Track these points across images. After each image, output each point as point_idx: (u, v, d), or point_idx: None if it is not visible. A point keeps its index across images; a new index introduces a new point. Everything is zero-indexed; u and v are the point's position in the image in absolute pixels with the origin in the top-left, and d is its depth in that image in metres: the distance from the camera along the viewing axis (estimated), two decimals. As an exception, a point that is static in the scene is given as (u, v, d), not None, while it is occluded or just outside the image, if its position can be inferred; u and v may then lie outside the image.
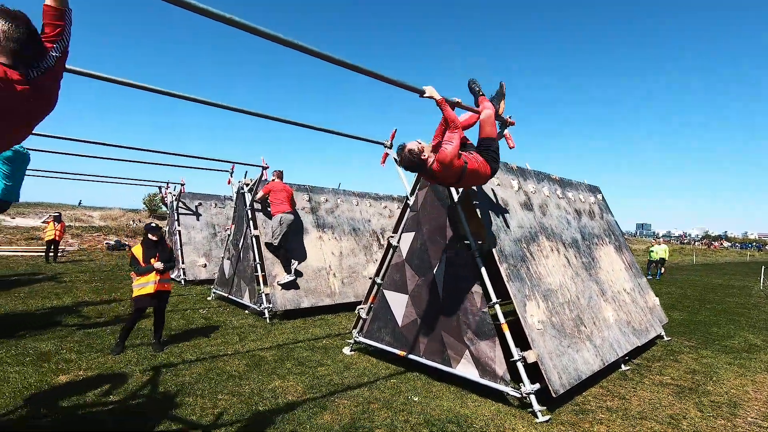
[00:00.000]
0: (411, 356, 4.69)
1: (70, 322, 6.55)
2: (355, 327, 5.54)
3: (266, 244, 7.52)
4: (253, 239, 7.64)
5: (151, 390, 4.12)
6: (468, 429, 3.50)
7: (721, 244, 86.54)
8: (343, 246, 8.73)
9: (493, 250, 4.20)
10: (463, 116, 4.02)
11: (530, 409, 3.82)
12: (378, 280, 5.26)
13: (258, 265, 7.40)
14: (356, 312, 5.54)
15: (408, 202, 5.03)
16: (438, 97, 3.36)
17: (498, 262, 4.17)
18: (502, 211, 4.68)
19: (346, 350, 5.54)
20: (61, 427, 3.31)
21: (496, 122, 4.07)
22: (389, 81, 3.05)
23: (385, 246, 5.27)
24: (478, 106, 3.99)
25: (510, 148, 4.10)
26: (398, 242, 5.09)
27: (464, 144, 3.83)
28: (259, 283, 7.36)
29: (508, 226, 4.61)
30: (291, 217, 7.42)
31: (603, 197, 7.50)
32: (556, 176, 6.41)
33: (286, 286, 7.38)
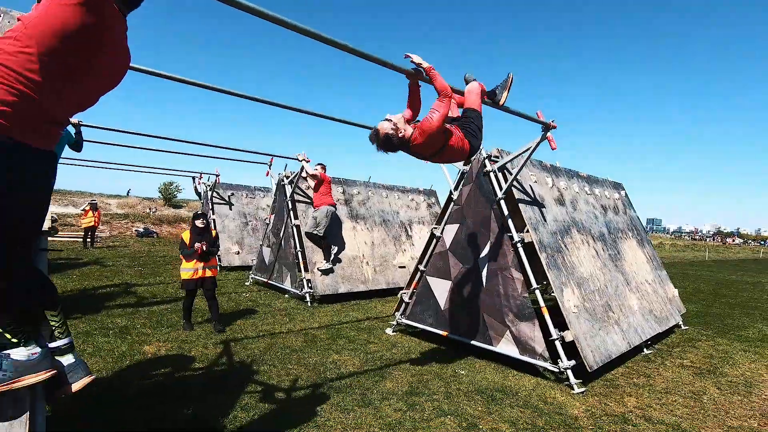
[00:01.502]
0: (453, 336, 5.18)
1: (131, 301, 7.15)
2: (397, 310, 6.04)
3: (306, 233, 8.03)
4: (294, 228, 8.16)
5: (227, 360, 4.67)
6: (514, 397, 4.00)
7: (734, 240, 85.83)
8: (374, 236, 9.23)
9: (534, 241, 4.66)
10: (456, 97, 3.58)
11: (566, 383, 4.31)
12: (421, 267, 5.75)
13: (299, 253, 7.93)
14: (399, 296, 6.04)
15: (452, 196, 5.49)
16: (426, 64, 3.00)
17: (538, 252, 4.63)
18: (539, 205, 5.12)
19: (389, 331, 6.05)
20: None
21: (544, 132, 4.47)
22: (376, 60, 2.85)
23: (428, 236, 5.75)
24: None
25: (552, 149, 4.53)
26: (441, 233, 5.57)
27: (449, 118, 3.40)
28: (300, 270, 7.90)
29: (545, 220, 5.06)
30: (334, 210, 7.94)
31: (626, 194, 7.89)
32: (584, 173, 6.82)
33: (325, 272, 7.91)
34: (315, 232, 7.88)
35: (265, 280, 9.07)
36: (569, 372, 4.25)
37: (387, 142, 3.08)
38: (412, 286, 5.87)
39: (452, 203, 5.48)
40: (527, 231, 4.75)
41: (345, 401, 3.72)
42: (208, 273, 5.71)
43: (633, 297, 5.84)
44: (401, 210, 10.25)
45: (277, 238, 8.76)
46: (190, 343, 5.12)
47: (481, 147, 3.29)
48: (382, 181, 10.45)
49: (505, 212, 4.83)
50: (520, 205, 4.82)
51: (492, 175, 5.01)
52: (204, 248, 5.51)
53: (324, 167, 8.18)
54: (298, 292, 7.92)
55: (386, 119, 3.12)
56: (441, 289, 5.45)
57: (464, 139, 3.22)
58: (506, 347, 4.70)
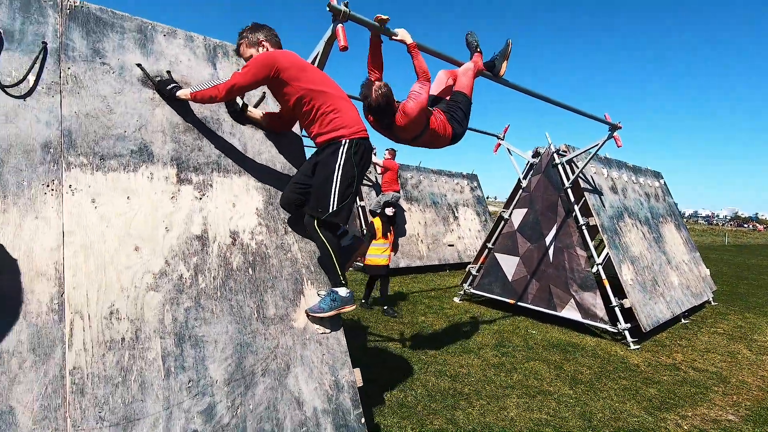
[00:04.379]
0: (520, 303, 6.11)
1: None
2: (464, 281, 6.98)
3: (370, 211, 8.93)
4: (359, 209, 9.08)
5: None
6: (582, 350, 4.93)
7: (754, 225, 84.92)
8: (426, 217, 10.12)
9: (597, 224, 5.50)
10: (437, 82, 3.35)
11: (623, 341, 5.22)
12: (489, 245, 6.64)
13: (364, 231, 8.87)
14: (467, 270, 6.97)
15: (521, 184, 6.32)
16: (410, 40, 2.78)
17: (601, 233, 5.48)
18: (599, 193, 5.94)
19: (456, 299, 7.00)
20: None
21: (611, 132, 5.23)
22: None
23: (497, 218, 6.63)
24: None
25: (618, 147, 5.31)
26: (509, 216, 6.43)
27: (435, 98, 3.24)
28: (366, 246, 8.85)
29: (604, 206, 5.88)
30: (399, 197, 8.82)
31: (665, 182, 8.62)
32: (630, 164, 7.57)
33: (388, 249, 8.86)
34: (378, 211, 8.77)
35: (328, 254, 10.06)
36: (626, 332, 5.16)
37: (385, 96, 2.80)
38: (480, 261, 6.78)
39: (521, 190, 6.32)
40: (591, 215, 5.59)
41: (451, 349, 4.68)
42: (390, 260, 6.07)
43: (673, 274, 6.68)
44: (448, 193, 11.10)
45: (342, 217, 9.71)
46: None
47: (463, 134, 3.19)
48: (430, 166, 11.25)
49: (572, 199, 5.66)
50: (585, 193, 5.65)
51: (560, 167, 5.82)
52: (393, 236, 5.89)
53: (393, 153, 8.95)
54: (361, 264, 8.88)
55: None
56: (508, 263, 6.34)
57: (447, 125, 3.04)
58: (569, 313, 5.61)
